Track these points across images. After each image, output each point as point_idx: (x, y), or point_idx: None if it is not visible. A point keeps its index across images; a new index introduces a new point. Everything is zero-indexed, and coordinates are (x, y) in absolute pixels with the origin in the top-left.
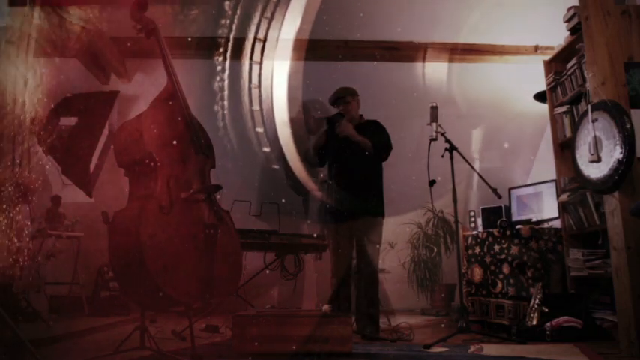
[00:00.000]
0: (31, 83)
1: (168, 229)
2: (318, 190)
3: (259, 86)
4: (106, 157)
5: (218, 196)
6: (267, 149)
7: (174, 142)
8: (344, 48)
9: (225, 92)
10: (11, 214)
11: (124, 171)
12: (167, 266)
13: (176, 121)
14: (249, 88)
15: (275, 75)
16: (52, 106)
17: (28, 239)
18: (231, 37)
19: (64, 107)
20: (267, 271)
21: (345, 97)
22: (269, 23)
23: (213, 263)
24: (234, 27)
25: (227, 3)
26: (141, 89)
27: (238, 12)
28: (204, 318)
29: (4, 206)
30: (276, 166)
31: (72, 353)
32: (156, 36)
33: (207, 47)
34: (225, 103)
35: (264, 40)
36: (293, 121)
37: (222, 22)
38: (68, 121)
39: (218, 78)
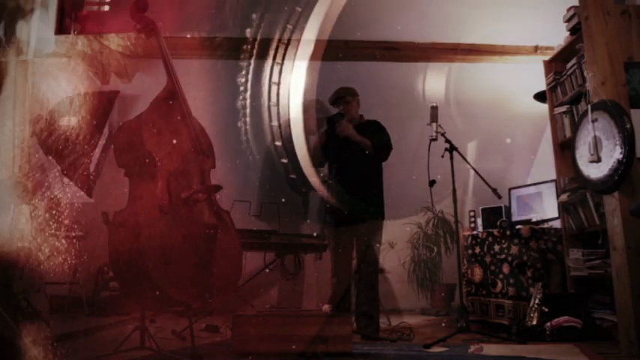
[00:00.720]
0: (75, 102)
1: (168, 229)
2: (324, 189)
3: (277, 105)
4: (106, 157)
5: (218, 196)
6: (285, 160)
7: (174, 142)
8: (344, 48)
9: (248, 110)
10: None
11: (124, 171)
12: (167, 266)
13: (176, 121)
14: (269, 107)
15: (291, 95)
16: (94, 122)
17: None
18: (252, 61)
19: (65, 107)
20: (267, 270)
21: (345, 97)
22: (285, 49)
23: (213, 263)
24: (254, 52)
25: (248, 30)
26: (141, 89)
27: (258, 37)
28: (204, 318)
29: (53, 212)
30: (293, 176)
31: (72, 353)
32: (156, 36)
33: (230, 70)
34: (248, 119)
35: (282, 63)
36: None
37: (245, 47)
38: (68, 122)
39: (241, 97)
